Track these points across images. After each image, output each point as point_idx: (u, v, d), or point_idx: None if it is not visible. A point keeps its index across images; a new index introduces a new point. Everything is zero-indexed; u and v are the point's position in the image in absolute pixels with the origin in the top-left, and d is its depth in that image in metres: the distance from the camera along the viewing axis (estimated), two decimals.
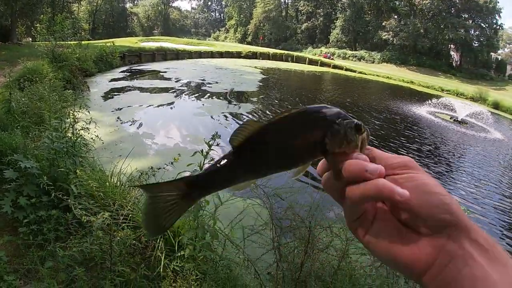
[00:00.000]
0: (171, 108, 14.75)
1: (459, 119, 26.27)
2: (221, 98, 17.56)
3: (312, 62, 51.83)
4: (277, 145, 0.58)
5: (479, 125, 26.64)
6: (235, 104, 16.61)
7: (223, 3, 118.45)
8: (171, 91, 17.75)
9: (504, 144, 22.43)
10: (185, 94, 17.41)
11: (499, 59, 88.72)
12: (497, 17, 78.72)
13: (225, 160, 0.60)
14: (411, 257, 0.51)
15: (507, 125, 34.53)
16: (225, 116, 14.29)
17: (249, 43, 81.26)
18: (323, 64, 52.33)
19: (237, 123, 13.58)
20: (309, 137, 0.57)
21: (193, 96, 17.29)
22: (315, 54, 73.34)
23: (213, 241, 3.56)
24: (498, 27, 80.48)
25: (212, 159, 3.41)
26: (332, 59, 65.23)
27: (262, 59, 44.64)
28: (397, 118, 21.66)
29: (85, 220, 3.06)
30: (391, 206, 0.55)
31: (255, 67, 34.01)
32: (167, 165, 4.83)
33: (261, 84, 24.60)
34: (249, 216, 3.73)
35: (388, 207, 0.56)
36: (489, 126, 26.87)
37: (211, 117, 13.95)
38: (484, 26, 78.32)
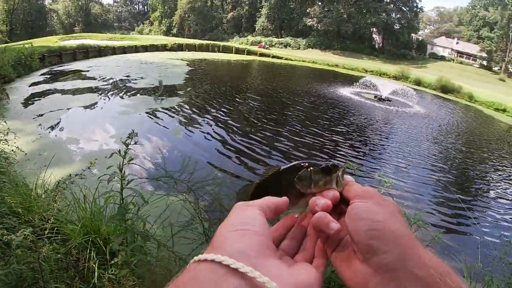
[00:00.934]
0: (96, 108, 14.23)
1: (383, 97, 27.90)
2: (147, 94, 17.23)
3: (238, 51, 51.69)
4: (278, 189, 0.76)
5: (402, 102, 28.45)
6: (162, 99, 16.43)
7: None
8: (95, 90, 17.05)
9: (427, 118, 24.00)
10: (109, 93, 16.74)
11: (420, 39, 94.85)
12: (417, 1, 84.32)
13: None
14: (351, 280, 0.56)
15: (429, 99, 37.06)
16: (152, 112, 14.10)
17: (174, 35, 79.35)
18: (249, 52, 52.55)
19: (166, 116, 13.53)
20: (289, 183, 0.75)
21: (118, 94, 16.72)
22: (242, 43, 73.28)
23: (145, 243, 3.47)
24: (418, 10, 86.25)
25: (132, 159, 3.38)
26: (268, 48, 65.70)
27: (188, 51, 43.86)
28: (322, 101, 22.41)
29: (6, 240, 2.96)
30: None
31: (182, 60, 33.52)
32: (84, 171, 4.71)
33: (187, 76, 24.44)
34: (180, 213, 3.76)
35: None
36: (412, 101, 28.78)
37: (138, 114, 13.73)
38: (405, 9, 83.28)
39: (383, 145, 15.51)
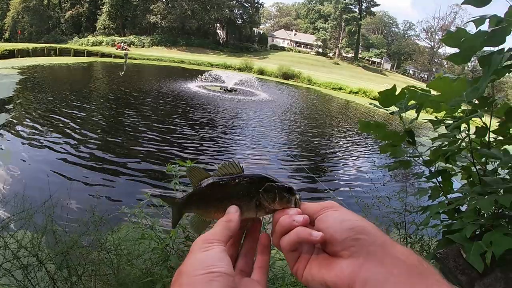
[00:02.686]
0: None
1: (229, 88, 29.48)
2: None
3: (78, 53, 48.98)
4: (224, 196, 0.79)
5: (248, 90, 30.54)
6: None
7: None
8: None
9: (273, 103, 26.39)
10: None
11: (261, 33, 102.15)
12: None
13: (189, 193, 0.86)
14: (336, 278, 0.60)
15: (273, 86, 39.52)
16: None
17: (7, 40, 71.58)
18: (90, 54, 50.52)
19: None
20: (249, 192, 0.77)
21: None
22: (82, 44, 70.04)
23: None
24: (259, 5, 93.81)
25: None
26: (126, 49, 63.39)
27: (21, 57, 39.92)
28: (169, 99, 22.92)
29: None
30: (322, 244, 0.66)
31: (12, 68, 30.72)
32: None
33: (18, 86, 22.57)
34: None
35: (320, 245, 0.68)
36: (257, 89, 30.99)
37: None
38: (246, 5, 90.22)
39: (236, 133, 16.32)
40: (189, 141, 13.86)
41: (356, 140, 17.64)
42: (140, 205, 3.05)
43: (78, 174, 9.73)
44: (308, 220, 0.68)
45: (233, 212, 0.73)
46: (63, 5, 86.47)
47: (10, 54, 39.31)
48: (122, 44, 68.18)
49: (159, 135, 14.27)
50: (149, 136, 14.02)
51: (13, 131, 13.23)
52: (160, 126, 15.73)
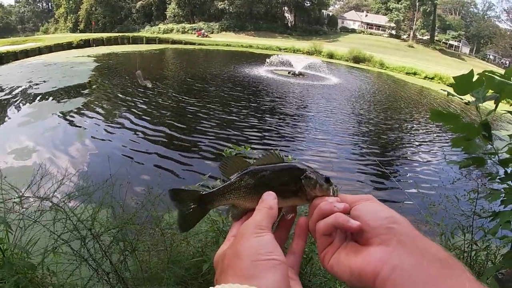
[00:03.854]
0: None
1: (297, 72, 28.68)
2: (49, 98, 16.11)
3: (150, 41, 50.19)
4: (270, 182, 0.80)
5: (316, 75, 29.73)
6: (64, 101, 15.54)
7: None
8: None
9: (343, 86, 25.35)
10: (8, 104, 15.06)
11: (330, 15, 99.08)
12: None
13: (228, 183, 0.83)
14: (363, 263, 0.61)
15: (344, 70, 38.34)
16: (54, 117, 13.15)
17: (82, 31, 74.63)
18: (161, 41, 51.51)
19: (69, 119, 12.93)
20: (292, 179, 0.80)
21: (17, 103, 15.20)
22: (154, 32, 71.88)
23: (33, 272, 2.87)
24: None
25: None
26: (207, 36, 65.49)
27: (96, 46, 41.51)
28: (236, 83, 22.68)
29: None
30: (356, 233, 0.67)
31: (88, 56, 31.85)
32: None
33: (94, 73, 23.42)
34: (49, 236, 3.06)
35: (353, 235, 0.69)
36: (325, 73, 30.01)
37: (39, 122, 12.69)
38: None
39: (303, 118, 15.90)
40: (251, 130, 13.47)
41: (428, 132, 16.36)
42: (196, 187, 2.82)
43: (140, 155, 10.20)
44: (348, 208, 0.70)
45: (272, 199, 0.75)
46: None
47: (86, 44, 41.17)
48: (203, 31, 69.66)
49: (221, 122, 13.97)
50: (211, 122, 13.81)
51: (87, 113, 13.95)
52: (224, 112, 15.46)
